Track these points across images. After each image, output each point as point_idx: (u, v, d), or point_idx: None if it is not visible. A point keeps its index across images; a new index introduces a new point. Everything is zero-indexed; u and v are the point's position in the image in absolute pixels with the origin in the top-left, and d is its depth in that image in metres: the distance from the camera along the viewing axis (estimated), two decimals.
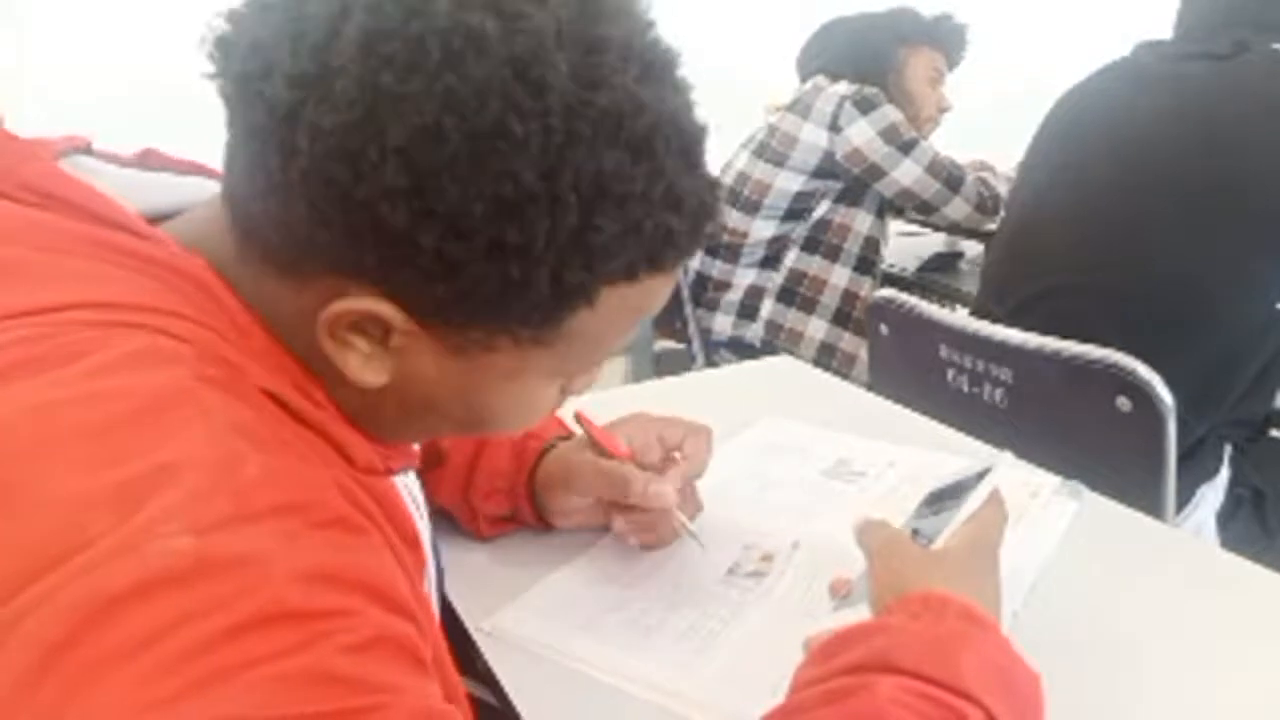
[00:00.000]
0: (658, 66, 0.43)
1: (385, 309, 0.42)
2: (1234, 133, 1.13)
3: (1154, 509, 1.05)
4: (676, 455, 0.76)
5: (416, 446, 0.57)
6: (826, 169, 1.91)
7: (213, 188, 0.52)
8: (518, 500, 0.77)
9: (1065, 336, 1.15)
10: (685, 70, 0.45)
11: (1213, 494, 1.24)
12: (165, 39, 2.28)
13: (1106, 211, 1.23)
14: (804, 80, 2.06)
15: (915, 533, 0.62)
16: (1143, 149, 1.21)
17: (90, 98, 2.33)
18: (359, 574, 0.37)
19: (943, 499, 0.64)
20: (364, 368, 0.44)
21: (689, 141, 0.44)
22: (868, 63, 1.98)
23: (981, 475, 0.64)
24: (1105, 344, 1.11)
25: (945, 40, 2.08)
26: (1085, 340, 1.13)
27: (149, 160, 0.52)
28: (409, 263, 0.40)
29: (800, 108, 1.94)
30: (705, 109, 0.46)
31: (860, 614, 0.57)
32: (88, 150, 0.50)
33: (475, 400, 0.48)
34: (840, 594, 0.63)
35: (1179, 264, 1.17)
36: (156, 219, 0.47)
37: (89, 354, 0.37)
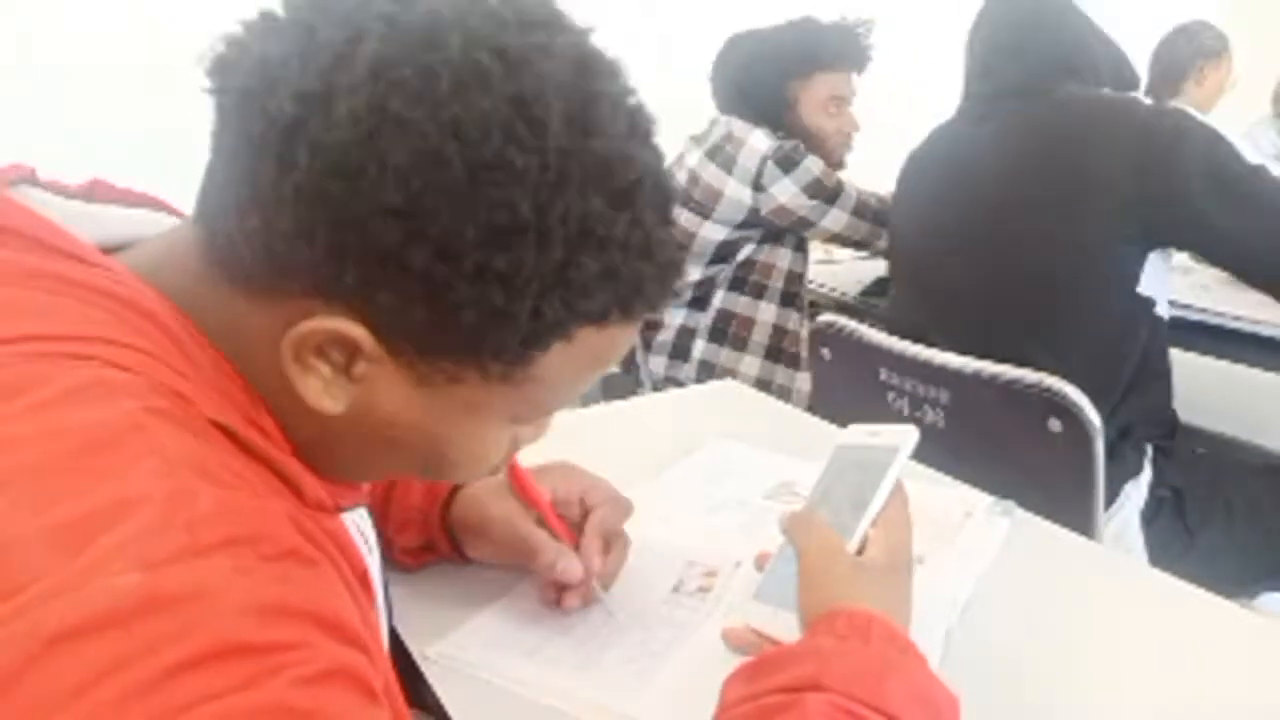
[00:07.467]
0: (642, 128, 0.46)
1: (356, 331, 0.42)
2: (1066, 147, 1.25)
3: (1084, 527, 1.09)
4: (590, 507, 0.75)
5: (366, 485, 0.56)
6: (752, 222, 1.89)
7: (162, 219, 0.51)
8: (431, 533, 0.77)
9: (979, 356, 1.22)
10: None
11: (1137, 493, 1.30)
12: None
13: (976, 236, 1.33)
14: (718, 103, 2.00)
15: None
16: (994, 176, 1.32)
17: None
18: (312, 606, 0.36)
19: (864, 472, 0.66)
20: (323, 394, 0.44)
21: (665, 199, 0.46)
22: (763, 104, 1.91)
23: (893, 450, 0.66)
24: (1009, 353, 1.20)
25: (840, 59, 1.91)
26: (990, 353, 1.22)
27: (96, 191, 0.51)
28: (392, 283, 0.41)
29: (722, 159, 1.87)
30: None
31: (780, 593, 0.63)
32: (33, 180, 0.49)
33: (432, 432, 0.48)
34: (762, 568, 0.70)
35: (1046, 267, 1.27)
36: (109, 250, 0.46)
37: (34, 388, 0.37)
